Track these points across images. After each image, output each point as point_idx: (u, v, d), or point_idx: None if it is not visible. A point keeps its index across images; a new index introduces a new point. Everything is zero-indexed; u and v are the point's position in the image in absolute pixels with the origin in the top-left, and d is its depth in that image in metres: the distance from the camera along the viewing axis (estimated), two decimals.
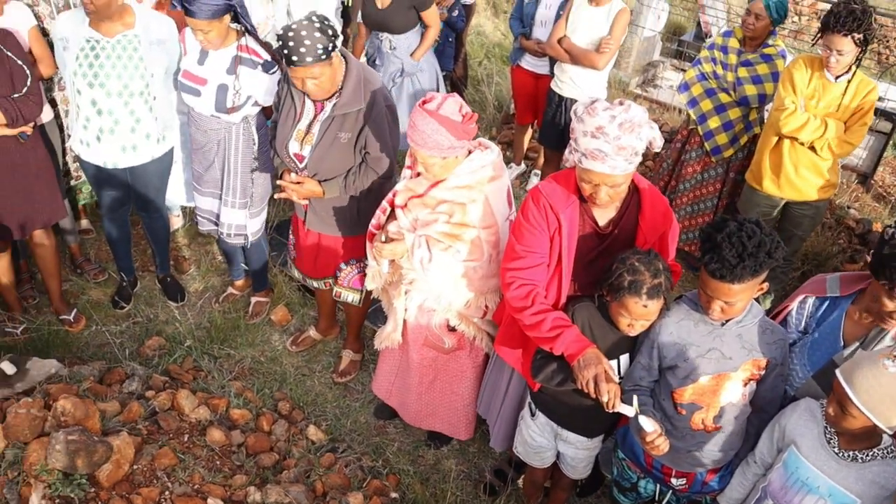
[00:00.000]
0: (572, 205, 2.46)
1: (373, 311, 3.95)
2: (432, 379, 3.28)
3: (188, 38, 3.49)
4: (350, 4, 5.38)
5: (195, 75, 3.46)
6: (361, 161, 3.18)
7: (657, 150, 2.37)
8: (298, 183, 3.18)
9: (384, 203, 3.01)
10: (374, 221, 3.04)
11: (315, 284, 3.67)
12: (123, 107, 3.50)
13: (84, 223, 4.67)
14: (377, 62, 4.73)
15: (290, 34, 2.80)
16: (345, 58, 3.06)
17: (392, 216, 3.00)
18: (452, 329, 3.08)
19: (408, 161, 2.95)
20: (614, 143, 2.22)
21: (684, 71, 7.32)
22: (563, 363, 2.43)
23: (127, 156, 3.63)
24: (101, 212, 3.98)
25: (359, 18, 4.94)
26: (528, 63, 4.99)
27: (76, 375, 3.41)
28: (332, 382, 3.88)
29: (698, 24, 7.95)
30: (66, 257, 4.41)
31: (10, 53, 3.36)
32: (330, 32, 2.85)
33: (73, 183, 4.21)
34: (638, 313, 2.36)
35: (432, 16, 4.72)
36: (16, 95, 3.34)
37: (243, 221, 3.77)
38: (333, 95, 3.07)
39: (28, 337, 3.96)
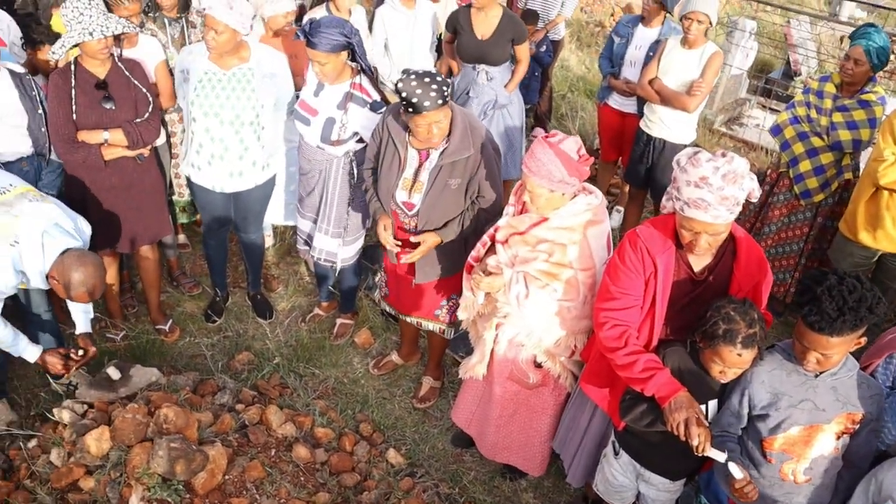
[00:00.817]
0: (669, 250, 2.51)
1: (454, 340, 4.03)
2: (512, 413, 3.32)
3: (310, 71, 3.66)
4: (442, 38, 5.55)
5: (309, 105, 3.64)
6: (471, 205, 3.30)
7: (755, 200, 2.40)
8: (417, 245, 3.31)
9: (485, 237, 3.11)
10: (473, 253, 3.15)
11: (408, 320, 3.78)
12: (234, 135, 3.71)
13: (181, 238, 4.92)
14: (470, 94, 4.86)
15: (413, 84, 2.94)
16: (451, 108, 3.17)
17: (491, 250, 3.08)
18: (538, 365, 3.12)
19: (511, 199, 3.04)
20: (717, 194, 2.26)
21: (771, 109, 7.25)
22: (653, 404, 2.46)
23: (234, 181, 3.84)
24: (203, 230, 4.20)
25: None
26: (616, 102, 5.04)
27: (173, 384, 3.59)
28: (412, 407, 3.97)
29: (787, 62, 7.85)
30: (163, 270, 4.64)
31: (136, 82, 3.61)
32: (439, 79, 2.99)
33: (173, 198, 4.47)
34: (731, 361, 2.37)
35: (525, 50, 4.85)
36: (138, 120, 3.58)
37: (335, 249, 3.92)
38: (440, 143, 3.18)
39: (127, 344, 4.18)
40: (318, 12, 4.63)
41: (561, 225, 2.81)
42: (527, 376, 3.18)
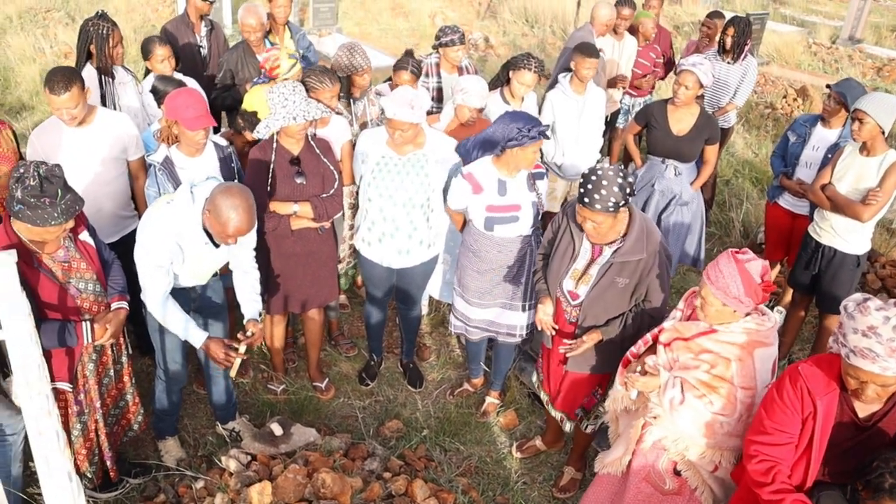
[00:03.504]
0: (832, 392, 2.42)
1: (600, 433, 4.00)
2: None
3: (478, 176, 3.76)
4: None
5: (505, 206, 3.76)
6: (635, 306, 3.33)
7: None
8: (574, 336, 3.42)
9: (648, 336, 3.12)
10: (633, 349, 3.17)
11: (552, 413, 3.83)
12: (405, 216, 3.94)
13: (342, 298, 5.21)
14: (655, 186, 4.92)
15: (594, 177, 3.04)
16: (630, 210, 3.24)
17: (651, 350, 3.09)
18: (678, 473, 3.07)
19: (681, 304, 3.07)
20: (887, 345, 2.18)
21: None
22: None
23: (401, 258, 4.06)
24: (366, 299, 4.45)
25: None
26: (787, 202, 4.91)
27: (327, 445, 3.80)
28: (552, 496, 3.96)
29: None
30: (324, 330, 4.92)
31: (325, 159, 3.92)
32: (627, 190, 3.05)
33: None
34: None
35: (715, 151, 4.93)
36: (324, 195, 3.88)
37: (524, 322, 4.06)
38: (614, 242, 3.25)
39: (286, 398, 4.46)
40: (494, 99, 4.85)
41: (728, 340, 2.79)
42: (664, 481, 3.11)
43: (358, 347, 4.92)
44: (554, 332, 3.51)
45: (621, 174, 3.04)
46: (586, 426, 3.76)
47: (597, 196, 3.01)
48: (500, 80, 5.02)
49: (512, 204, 3.77)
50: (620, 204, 3.04)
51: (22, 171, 2.83)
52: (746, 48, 6.04)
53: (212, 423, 4.22)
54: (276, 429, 3.77)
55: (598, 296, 3.30)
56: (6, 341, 2.72)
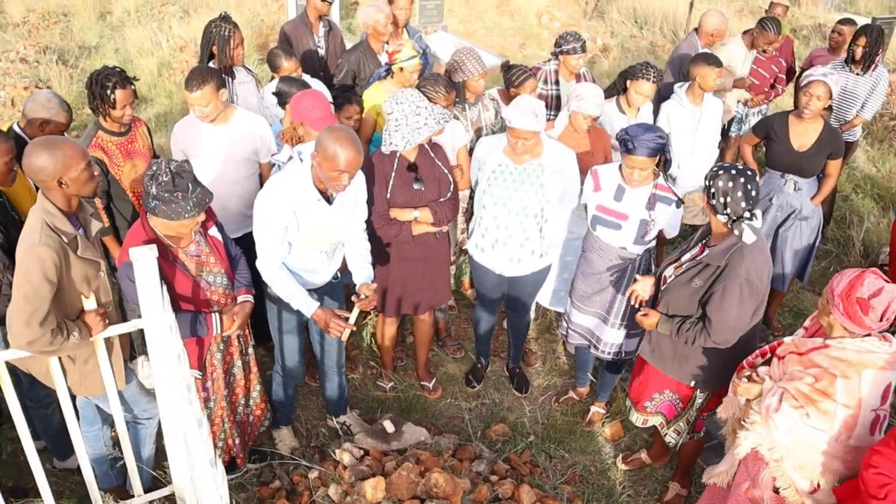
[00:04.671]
0: None
1: (705, 450, 3.96)
2: None
3: (602, 176, 3.87)
4: None
5: (614, 210, 3.82)
6: (702, 316, 3.29)
7: None
8: (645, 315, 3.48)
9: (766, 347, 3.12)
10: (749, 358, 3.16)
11: (633, 415, 3.86)
12: (518, 224, 3.99)
13: (450, 300, 5.30)
14: (773, 200, 4.83)
15: (721, 183, 3.10)
16: (741, 229, 3.18)
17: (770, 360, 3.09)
18: (776, 491, 3.01)
19: (807, 322, 3.05)
20: None
21: None
22: None
23: (513, 266, 4.12)
24: (476, 303, 4.53)
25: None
26: None
27: (436, 445, 3.89)
28: None
29: None
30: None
31: (440, 163, 4.01)
32: (752, 196, 3.09)
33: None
34: None
35: (838, 166, 4.76)
36: (441, 200, 3.97)
37: (621, 340, 4.08)
38: (713, 245, 3.29)
39: (395, 395, 4.59)
40: (610, 108, 4.83)
41: (839, 356, 2.75)
42: (762, 498, 3.08)
43: (464, 349, 5.01)
44: (636, 305, 3.65)
45: (750, 173, 3.11)
46: (666, 434, 3.76)
47: (724, 200, 3.11)
48: (616, 89, 4.99)
49: (621, 212, 3.80)
50: (741, 214, 3.10)
51: (154, 168, 3.02)
52: (877, 58, 5.77)
53: (323, 415, 4.40)
54: (389, 426, 3.90)
55: (675, 285, 3.35)
56: (146, 332, 2.95)
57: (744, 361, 3.18)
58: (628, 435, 4.40)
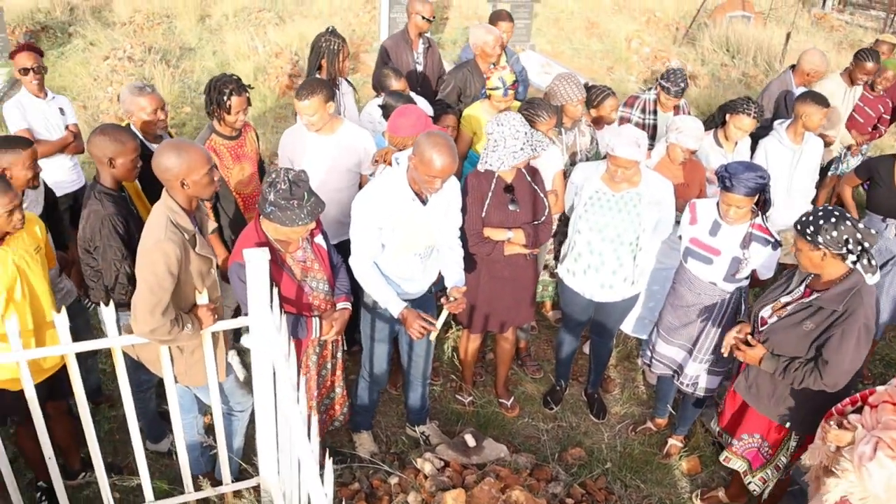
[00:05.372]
0: None
1: (789, 493, 3.90)
2: None
3: (699, 210, 3.88)
4: None
5: (707, 245, 3.83)
6: (814, 358, 3.24)
7: None
8: (748, 345, 3.42)
9: (857, 395, 3.07)
10: (839, 405, 3.11)
11: (725, 455, 3.80)
12: (612, 252, 4.02)
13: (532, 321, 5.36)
14: None
15: (820, 221, 3.07)
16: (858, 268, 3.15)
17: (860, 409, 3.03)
18: None
19: None
20: None
21: None
22: None
23: (603, 292, 4.15)
24: (561, 326, 4.57)
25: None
26: None
27: (514, 463, 3.94)
28: None
29: None
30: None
31: (536, 187, 4.08)
32: (850, 241, 3.05)
33: None
34: None
35: None
36: (536, 222, 4.03)
37: (700, 374, 4.07)
38: (824, 288, 3.22)
39: (473, 410, 4.66)
40: (707, 142, 4.81)
41: None
42: None
43: (543, 370, 5.05)
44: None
45: (839, 214, 3.08)
46: (750, 483, 3.71)
47: (828, 238, 3.06)
48: (714, 122, 4.97)
49: (714, 247, 3.79)
50: (844, 251, 3.05)
51: (273, 176, 3.19)
52: None
53: (402, 423, 4.50)
54: (470, 440, 3.97)
55: (781, 327, 3.29)
56: (251, 329, 3.10)
57: (832, 409, 3.13)
58: (706, 471, 4.36)
